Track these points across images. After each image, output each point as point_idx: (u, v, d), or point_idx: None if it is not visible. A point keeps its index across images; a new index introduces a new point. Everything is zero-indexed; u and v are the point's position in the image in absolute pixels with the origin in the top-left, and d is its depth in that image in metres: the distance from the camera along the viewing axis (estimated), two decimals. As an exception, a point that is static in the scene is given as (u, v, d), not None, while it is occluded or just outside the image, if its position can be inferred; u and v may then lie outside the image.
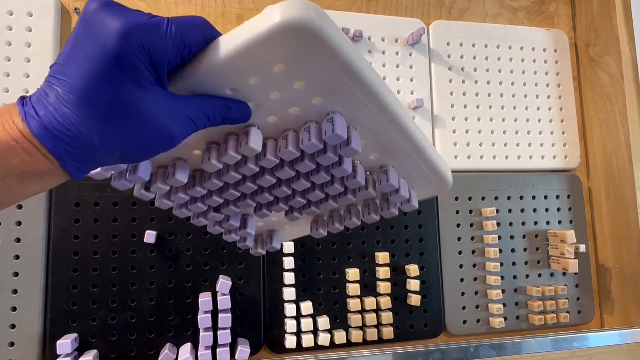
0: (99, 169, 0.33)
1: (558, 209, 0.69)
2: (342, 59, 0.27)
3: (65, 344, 0.48)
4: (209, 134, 0.33)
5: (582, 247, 0.64)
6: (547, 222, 0.68)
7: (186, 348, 0.52)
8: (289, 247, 0.57)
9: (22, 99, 0.25)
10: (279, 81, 0.29)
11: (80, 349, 0.51)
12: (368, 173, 0.38)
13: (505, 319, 0.64)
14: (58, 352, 0.48)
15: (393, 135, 0.33)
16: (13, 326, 0.50)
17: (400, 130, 0.33)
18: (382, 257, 0.60)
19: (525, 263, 0.67)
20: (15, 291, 0.51)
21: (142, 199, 0.36)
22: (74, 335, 0.50)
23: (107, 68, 0.24)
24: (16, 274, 0.51)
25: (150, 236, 0.53)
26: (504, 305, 0.65)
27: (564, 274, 0.68)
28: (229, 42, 0.27)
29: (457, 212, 0.65)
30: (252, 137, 0.31)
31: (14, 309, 0.51)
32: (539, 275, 0.67)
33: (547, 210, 0.69)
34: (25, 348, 0.50)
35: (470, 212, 0.66)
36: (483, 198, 0.66)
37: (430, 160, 0.36)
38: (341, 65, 0.27)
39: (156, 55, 0.25)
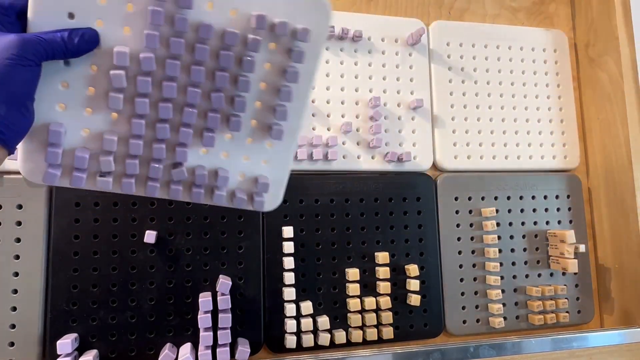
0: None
1: (558, 209, 0.69)
2: None
3: (65, 344, 0.48)
4: None
5: (582, 247, 0.64)
6: (547, 222, 0.68)
7: (186, 348, 0.52)
8: (289, 247, 0.57)
9: None
10: None
11: (81, 349, 0.51)
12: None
13: (505, 318, 0.64)
14: (58, 352, 0.48)
15: None
16: (13, 326, 0.50)
17: None
18: (382, 257, 0.60)
19: (525, 263, 0.67)
20: (15, 291, 0.51)
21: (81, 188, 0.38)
22: (74, 335, 0.50)
23: None
24: (16, 274, 0.51)
25: (150, 236, 0.53)
26: (504, 305, 0.65)
27: (563, 274, 0.68)
28: None
29: (457, 212, 0.65)
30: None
31: (14, 309, 0.51)
32: (539, 275, 0.67)
33: (546, 210, 0.69)
34: (25, 348, 0.50)
35: (470, 212, 0.66)
36: (483, 198, 0.66)
37: None
38: None
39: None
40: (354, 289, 0.58)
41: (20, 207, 0.52)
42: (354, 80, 0.64)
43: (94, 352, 0.51)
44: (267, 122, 0.42)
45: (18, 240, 0.51)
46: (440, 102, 0.67)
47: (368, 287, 0.60)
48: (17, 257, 0.51)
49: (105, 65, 0.36)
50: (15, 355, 0.50)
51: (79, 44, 0.33)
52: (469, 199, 0.66)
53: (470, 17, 0.73)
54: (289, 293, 0.56)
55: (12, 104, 0.31)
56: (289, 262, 0.57)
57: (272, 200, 0.44)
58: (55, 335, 0.50)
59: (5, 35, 0.31)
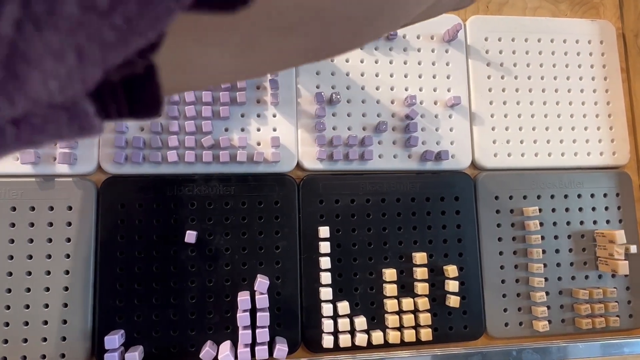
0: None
1: (606, 208, 0.66)
2: None
3: (112, 339, 0.50)
4: None
5: (633, 248, 0.61)
6: (594, 222, 0.65)
7: (226, 346, 0.53)
8: (325, 247, 0.57)
9: None
10: None
11: (126, 345, 0.53)
12: None
13: (549, 322, 0.62)
14: (106, 347, 0.50)
15: None
16: (65, 322, 0.53)
17: None
18: (420, 257, 0.59)
19: (571, 264, 0.64)
20: (66, 288, 0.54)
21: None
22: (121, 331, 0.53)
23: None
24: (67, 272, 0.54)
25: (190, 236, 0.55)
26: (548, 308, 0.62)
27: (613, 276, 0.65)
28: None
29: (498, 211, 0.63)
30: None
31: (66, 305, 0.53)
32: (586, 277, 0.64)
33: (594, 209, 0.66)
34: (76, 342, 0.53)
35: (512, 211, 0.64)
36: (525, 197, 0.64)
37: None
38: None
39: None
40: (391, 289, 0.58)
41: (70, 208, 0.55)
42: (389, 79, 0.64)
43: (140, 347, 0.53)
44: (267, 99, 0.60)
45: (68, 240, 0.54)
46: (479, 98, 0.65)
47: (405, 287, 0.60)
48: (68, 255, 0.54)
49: None
50: (67, 349, 0.53)
51: None
52: (510, 197, 0.64)
53: (509, 11, 0.71)
54: (326, 293, 0.56)
55: None
56: (325, 262, 0.57)
57: (290, 159, 0.59)
58: (103, 331, 0.53)
59: None
